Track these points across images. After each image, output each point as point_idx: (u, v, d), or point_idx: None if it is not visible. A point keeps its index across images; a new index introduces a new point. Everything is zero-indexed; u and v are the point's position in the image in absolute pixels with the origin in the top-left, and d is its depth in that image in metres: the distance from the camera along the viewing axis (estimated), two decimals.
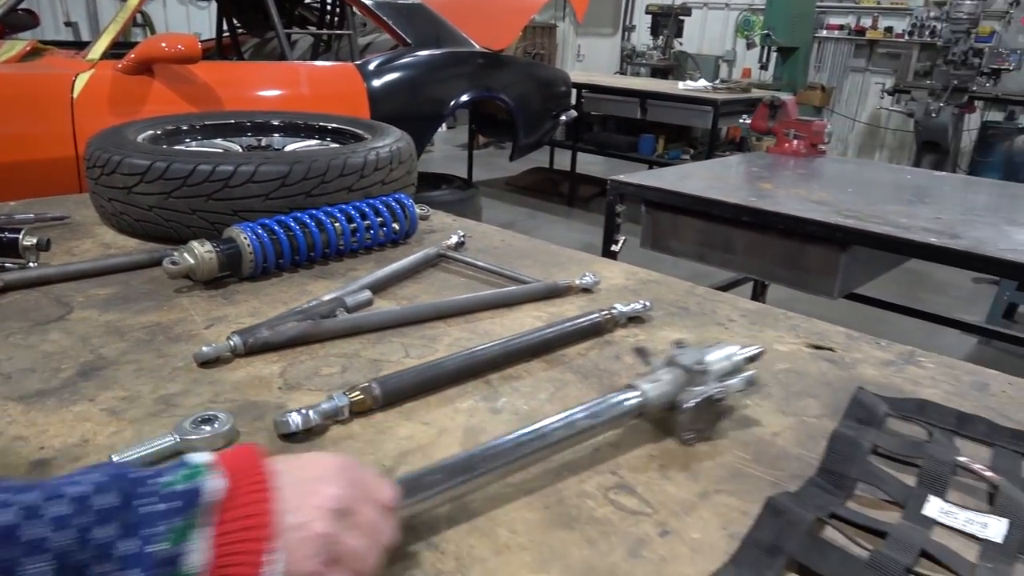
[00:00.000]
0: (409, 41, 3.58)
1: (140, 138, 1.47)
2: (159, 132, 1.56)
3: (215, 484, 0.47)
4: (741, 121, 3.04)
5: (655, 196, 2.18)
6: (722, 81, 6.57)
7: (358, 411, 0.79)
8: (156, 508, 0.45)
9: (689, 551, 0.63)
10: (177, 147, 1.55)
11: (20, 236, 1.18)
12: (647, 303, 1.10)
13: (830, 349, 1.04)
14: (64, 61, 2.69)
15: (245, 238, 1.16)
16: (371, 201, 1.36)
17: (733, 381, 0.79)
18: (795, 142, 2.83)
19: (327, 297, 1.06)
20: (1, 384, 0.84)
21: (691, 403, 0.76)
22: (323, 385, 0.87)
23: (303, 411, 0.75)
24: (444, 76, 3.70)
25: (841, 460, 0.75)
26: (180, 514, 0.45)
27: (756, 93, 5.48)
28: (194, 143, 1.63)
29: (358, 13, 3.64)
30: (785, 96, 3.06)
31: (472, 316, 1.08)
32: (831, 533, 0.66)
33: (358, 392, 0.79)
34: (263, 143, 1.70)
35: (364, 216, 1.32)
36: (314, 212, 1.28)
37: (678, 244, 2.26)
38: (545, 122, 4.35)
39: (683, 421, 0.77)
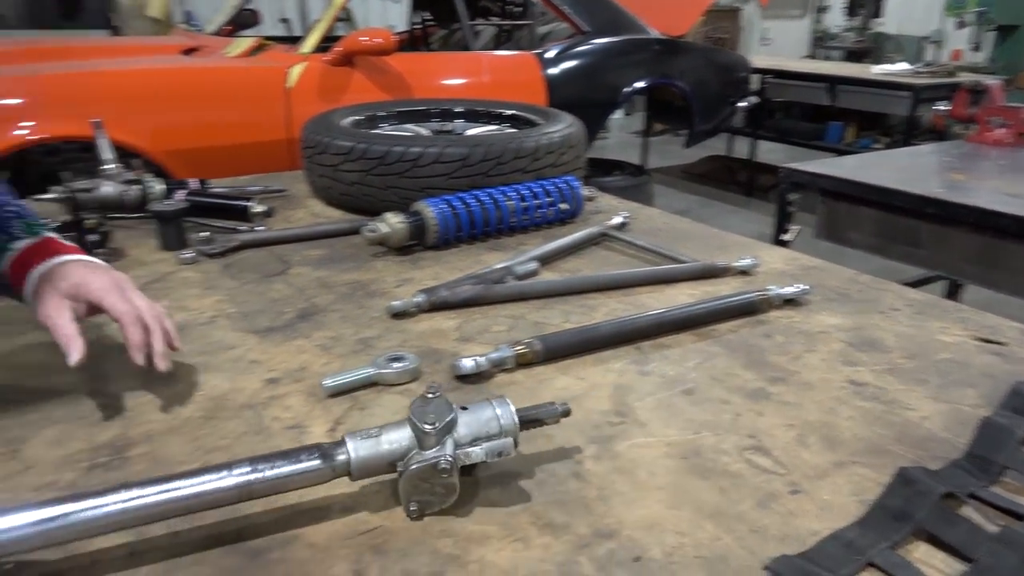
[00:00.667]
0: (586, 29, 3.66)
1: (344, 123, 1.68)
2: (361, 118, 1.76)
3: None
4: (937, 108, 2.83)
5: (829, 184, 2.12)
6: (925, 64, 6.05)
7: (521, 363, 0.90)
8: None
9: (817, 509, 0.67)
10: (374, 131, 1.74)
11: (251, 204, 1.41)
12: (806, 287, 1.11)
13: (1001, 343, 1.01)
14: (281, 55, 3.05)
15: (430, 212, 1.31)
16: (542, 182, 1.46)
17: (474, 449, 0.64)
18: (999, 130, 2.60)
19: (498, 265, 1.18)
20: (241, 320, 1.03)
21: (412, 468, 0.63)
22: (492, 340, 0.98)
23: (474, 358, 0.87)
24: (620, 63, 3.74)
25: (990, 446, 0.75)
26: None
27: (963, 77, 5.00)
28: (389, 127, 1.82)
29: (539, 3, 3.77)
30: (991, 80, 2.81)
31: (630, 290, 1.15)
32: (967, 512, 0.67)
33: (522, 346, 0.90)
34: (447, 128, 1.87)
35: (535, 195, 1.43)
36: (491, 190, 1.40)
37: (857, 235, 2.18)
38: (722, 109, 4.27)
39: (403, 490, 0.64)
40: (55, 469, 0.70)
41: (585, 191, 1.52)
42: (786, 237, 2.30)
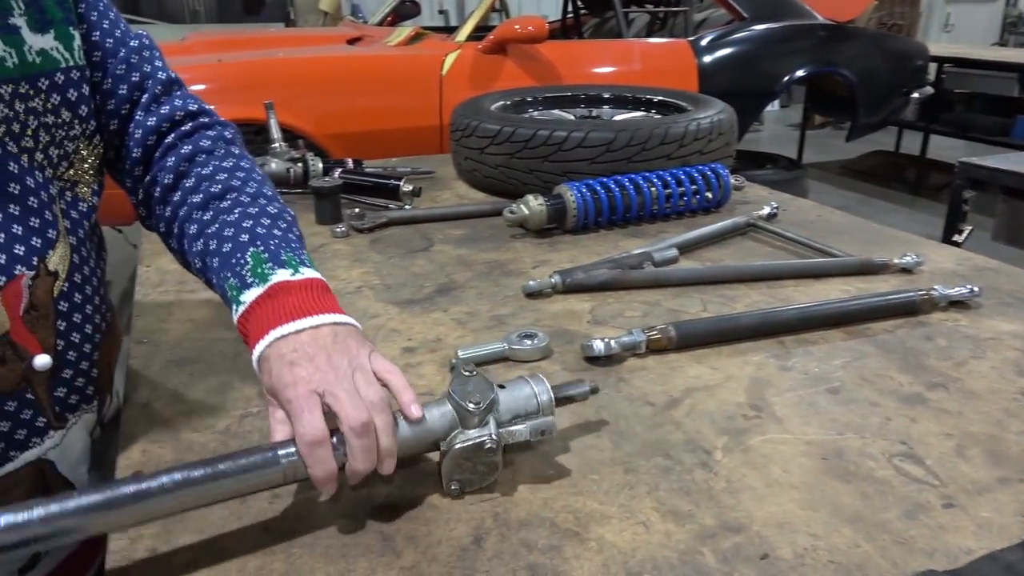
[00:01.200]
0: (745, 15, 3.51)
1: (493, 107, 1.71)
2: (508, 102, 1.79)
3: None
4: None
5: (1014, 182, 1.91)
6: None
7: (654, 348, 0.88)
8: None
9: (974, 526, 0.61)
10: (521, 115, 1.76)
11: (401, 184, 1.47)
12: (975, 288, 1.01)
13: None
14: (437, 44, 3.15)
15: (571, 195, 1.31)
16: (687, 169, 1.42)
17: (518, 428, 0.64)
18: None
19: (636, 251, 1.16)
20: (385, 292, 1.08)
21: (456, 448, 0.62)
22: (625, 324, 0.97)
23: (606, 340, 0.86)
24: (779, 51, 3.56)
25: None
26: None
27: None
28: (535, 112, 1.84)
29: None
30: None
31: (775, 283, 1.10)
32: None
33: (656, 332, 0.88)
34: (593, 114, 1.86)
35: (679, 183, 1.39)
36: (633, 176, 1.38)
37: None
38: (892, 100, 3.96)
39: (446, 469, 0.63)
40: (212, 414, 0.77)
41: (733, 180, 1.46)
42: (958, 238, 2.10)
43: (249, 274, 0.67)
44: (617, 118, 1.78)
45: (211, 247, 0.71)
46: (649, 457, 0.70)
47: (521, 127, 1.48)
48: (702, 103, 1.67)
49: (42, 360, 0.62)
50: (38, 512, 0.49)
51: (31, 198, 0.62)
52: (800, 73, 3.59)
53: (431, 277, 1.14)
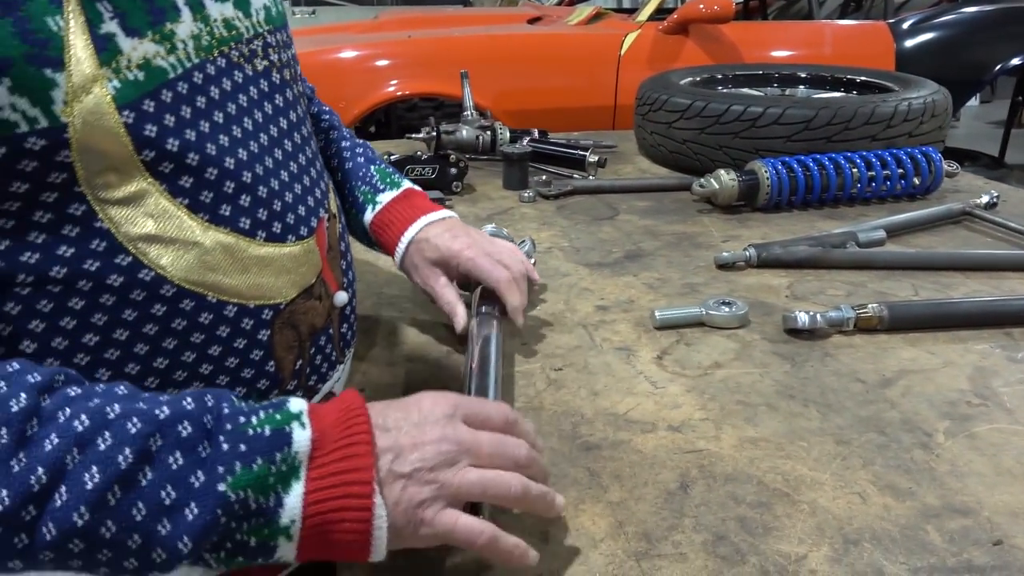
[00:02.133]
0: None
1: (682, 83, 1.68)
2: (697, 79, 1.75)
3: (305, 433, 0.43)
4: None
5: None
6: None
7: (862, 327, 0.84)
8: (238, 449, 0.41)
9: None
10: (713, 91, 1.72)
11: (587, 154, 1.49)
12: None
13: None
14: (618, 24, 3.13)
15: (765, 172, 1.27)
16: (894, 151, 1.33)
17: (525, 246, 0.96)
18: None
19: (839, 231, 1.10)
20: (574, 254, 1.10)
21: None
22: (828, 302, 0.93)
23: (811, 312, 0.83)
24: (992, 36, 3.23)
25: None
26: (264, 458, 0.41)
27: None
28: (724, 91, 1.79)
29: None
30: None
31: (996, 274, 1.01)
32: None
33: (867, 309, 0.84)
34: (787, 93, 1.78)
35: (884, 165, 1.31)
36: (833, 155, 1.31)
37: None
38: None
39: None
40: (423, 347, 0.82)
41: (946, 166, 1.35)
42: None
43: (380, 182, 0.82)
44: (812, 98, 1.70)
45: (332, 164, 0.83)
46: (862, 432, 0.67)
47: (714, 101, 1.44)
48: (912, 84, 1.55)
49: (341, 296, 0.65)
50: None
51: (312, 143, 0.66)
52: (1016, 62, 3.24)
53: (619, 243, 1.15)
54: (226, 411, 0.43)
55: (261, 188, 0.55)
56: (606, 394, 0.73)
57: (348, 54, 2.89)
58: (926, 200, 1.34)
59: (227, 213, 0.53)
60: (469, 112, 1.64)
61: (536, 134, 1.66)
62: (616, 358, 0.80)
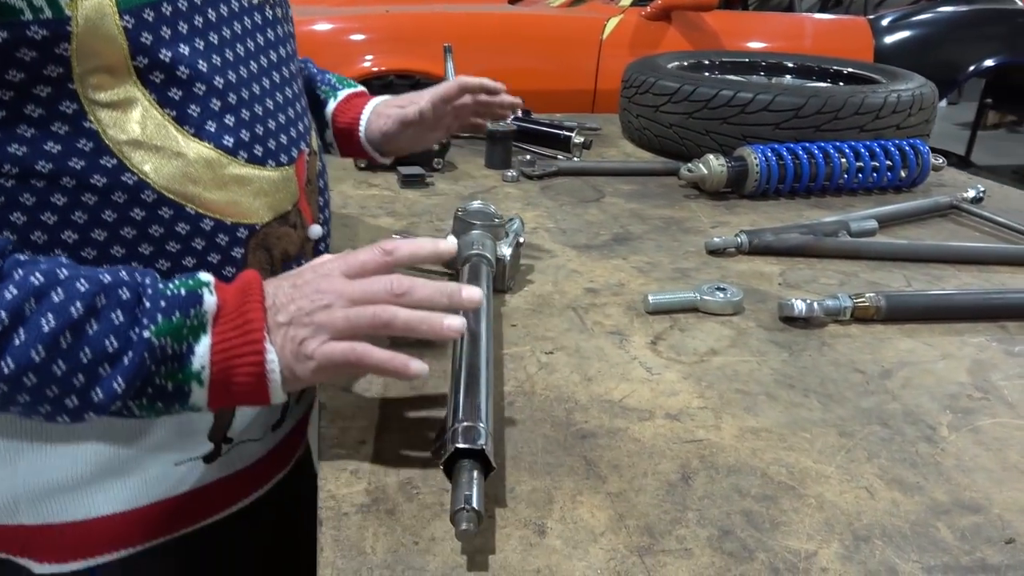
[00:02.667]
0: None
1: (669, 66, 1.65)
2: (684, 64, 1.72)
3: (212, 298, 0.50)
4: None
5: None
6: None
7: (859, 316, 0.82)
8: (159, 304, 0.48)
9: None
10: (702, 75, 1.69)
11: (573, 135, 1.45)
12: None
13: None
14: (600, 7, 3.09)
15: (755, 158, 1.24)
16: (882, 143, 1.32)
17: (513, 224, 0.89)
18: None
19: (830, 219, 1.08)
20: (560, 235, 1.07)
21: (507, 252, 0.83)
22: (821, 291, 0.91)
23: (807, 300, 0.81)
24: (968, 36, 3.27)
25: None
26: (180, 312, 0.48)
27: None
28: (712, 76, 1.76)
29: None
30: None
31: (988, 268, 1.00)
32: None
33: (864, 299, 0.82)
34: (773, 82, 1.76)
35: (873, 156, 1.29)
36: (823, 144, 1.29)
37: None
38: None
39: (511, 269, 0.84)
40: None
41: (933, 160, 1.34)
42: None
43: (338, 83, 0.93)
44: (804, 86, 1.68)
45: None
46: (864, 424, 0.65)
47: (703, 85, 1.41)
48: (899, 76, 1.55)
49: (316, 229, 0.68)
50: None
51: (296, 81, 0.67)
52: (989, 63, 3.29)
53: (605, 226, 1.11)
54: (150, 280, 0.49)
55: (246, 111, 0.58)
56: (600, 380, 0.70)
57: (322, 27, 2.81)
58: (912, 193, 1.33)
59: (212, 129, 0.55)
60: None
61: (519, 113, 1.61)
62: (609, 342, 0.76)
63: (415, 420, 0.63)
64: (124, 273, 0.49)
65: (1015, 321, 0.84)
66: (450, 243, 0.57)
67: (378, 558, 0.48)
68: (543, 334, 0.78)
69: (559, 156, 1.45)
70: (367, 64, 2.85)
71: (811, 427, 0.64)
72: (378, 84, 3.06)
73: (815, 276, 0.96)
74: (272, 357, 0.50)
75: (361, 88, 0.95)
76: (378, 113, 0.91)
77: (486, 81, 0.97)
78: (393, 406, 0.64)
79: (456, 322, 0.53)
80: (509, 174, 1.33)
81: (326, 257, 0.55)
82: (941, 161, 1.38)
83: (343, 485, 0.54)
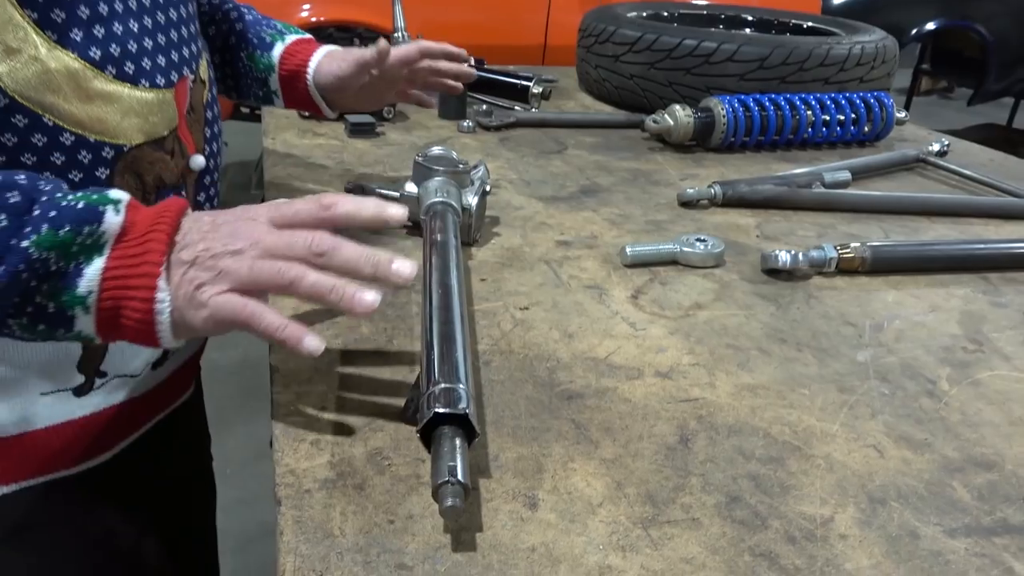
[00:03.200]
0: None
1: (628, 16, 1.58)
2: (642, 15, 1.66)
3: (117, 219, 0.44)
4: None
5: None
6: None
7: (844, 268, 0.78)
8: (48, 214, 0.42)
9: None
10: (664, 23, 1.63)
11: (531, 85, 1.37)
12: None
13: None
14: None
15: (722, 109, 1.20)
16: (848, 95, 1.29)
17: (478, 172, 0.81)
18: None
19: (802, 171, 1.05)
20: (524, 187, 1.00)
21: (478, 199, 0.78)
22: (799, 243, 0.87)
23: (792, 252, 0.77)
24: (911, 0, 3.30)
25: None
26: (71, 226, 0.42)
27: None
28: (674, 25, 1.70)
29: None
30: None
31: (961, 219, 0.98)
32: None
33: (849, 250, 0.78)
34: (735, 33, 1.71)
35: (839, 108, 1.26)
36: (790, 96, 1.25)
37: None
38: None
39: (477, 219, 0.79)
40: None
41: (898, 113, 1.32)
42: None
43: (285, 29, 0.87)
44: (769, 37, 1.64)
45: (234, 22, 0.84)
46: (863, 379, 0.61)
47: (666, 34, 1.35)
48: (858, 30, 1.51)
49: (197, 160, 0.62)
50: None
51: (187, 6, 0.62)
52: (930, 26, 3.33)
53: (571, 178, 1.05)
54: (50, 187, 0.44)
55: (118, 25, 0.52)
56: (582, 336, 0.64)
57: None
58: (875, 147, 1.31)
59: (78, 39, 0.49)
60: (400, 34, 1.49)
61: (472, 62, 1.52)
62: (587, 297, 0.71)
63: (381, 383, 0.56)
64: (22, 176, 0.43)
65: (997, 272, 0.82)
66: (399, 211, 0.49)
67: (348, 541, 0.41)
68: (515, 289, 0.71)
69: (516, 107, 1.37)
70: (304, 14, 2.70)
71: (809, 383, 0.60)
72: (316, 36, 2.91)
73: (792, 228, 0.92)
74: (163, 296, 0.44)
75: (310, 36, 0.88)
76: (332, 56, 0.84)
77: (449, 47, 0.89)
78: (355, 367, 0.57)
79: (369, 297, 0.45)
80: (465, 124, 1.26)
81: (257, 205, 0.49)
82: (904, 115, 1.36)
83: (303, 458, 0.47)
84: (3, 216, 0.41)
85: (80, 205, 0.43)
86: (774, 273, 0.78)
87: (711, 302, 0.72)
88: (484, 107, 1.33)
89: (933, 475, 0.50)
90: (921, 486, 0.49)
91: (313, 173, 0.98)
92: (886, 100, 1.30)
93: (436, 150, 0.83)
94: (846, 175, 1.03)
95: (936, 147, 1.22)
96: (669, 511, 0.46)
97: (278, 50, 0.84)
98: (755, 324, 0.68)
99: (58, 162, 0.50)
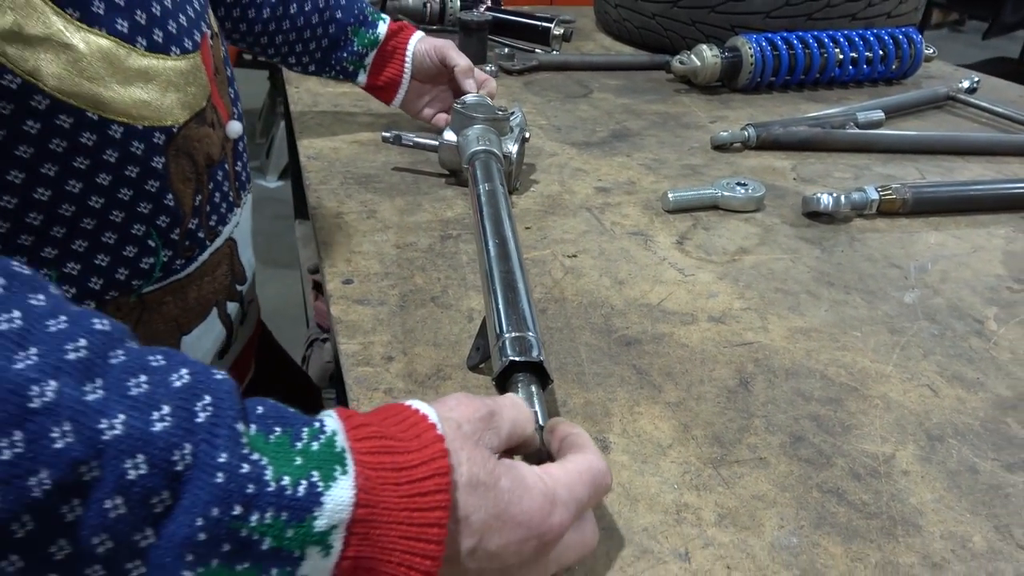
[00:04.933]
0: None
1: None
2: None
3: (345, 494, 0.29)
4: None
5: None
6: None
7: (885, 210, 0.79)
8: (220, 547, 0.27)
9: None
10: None
11: (552, 27, 1.35)
12: None
13: None
14: None
15: (749, 49, 1.18)
16: (876, 31, 1.26)
17: (516, 118, 0.81)
18: None
19: (835, 111, 1.04)
20: (555, 132, 0.99)
21: (517, 146, 0.78)
22: (836, 185, 0.87)
23: (833, 194, 0.77)
24: None
25: None
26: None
27: None
28: None
29: None
30: None
31: (995, 158, 0.97)
32: None
33: (890, 191, 0.78)
34: None
35: (868, 45, 1.24)
36: (817, 34, 1.23)
37: None
38: None
39: (516, 168, 0.79)
40: (411, 232, 0.71)
41: (925, 48, 1.30)
42: None
43: (370, 14, 0.87)
44: None
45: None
46: (912, 320, 0.62)
47: None
48: None
49: (234, 127, 0.59)
50: None
51: None
52: None
53: (601, 122, 1.04)
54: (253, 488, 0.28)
55: None
56: (632, 283, 0.64)
57: None
58: (903, 85, 1.29)
59: (100, 11, 0.44)
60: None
61: (489, 2, 1.49)
62: (633, 243, 0.71)
63: (440, 332, 0.57)
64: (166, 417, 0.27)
65: None
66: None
67: None
68: (561, 236, 0.72)
69: (536, 49, 1.35)
70: None
71: (860, 325, 0.61)
72: None
73: (827, 170, 0.91)
74: None
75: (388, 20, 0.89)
76: (424, 41, 0.88)
77: (491, 85, 0.89)
78: (415, 318, 0.58)
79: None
80: (487, 68, 1.24)
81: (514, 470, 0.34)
82: (932, 51, 1.34)
83: None
84: (121, 498, 0.26)
85: (265, 546, 0.28)
86: (815, 216, 0.78)
87: (756, 246, 0.72)
88: (505, 50, 1.31)
89: (988, 412, 0.52)
90: (977, 423, 0.51)
91: (343, 124, 0.97)
92: (915, 36, 1.27)
93: (472, 97, 0.83)
94: (879, 115, 1.02)
95: (966, 84, 1.21)
96: (736, 451, 0.47)
97: (383, 28, 0.86)
98: (801, 267, 0.69)
99: (112, 159, 0.46)
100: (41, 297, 0.28)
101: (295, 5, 0.80)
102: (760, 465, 0.46)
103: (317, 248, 0.68)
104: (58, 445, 0.24)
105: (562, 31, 1.35)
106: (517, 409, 0.37)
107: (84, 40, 0.43)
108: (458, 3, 1.43)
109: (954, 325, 0.61)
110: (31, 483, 0.24)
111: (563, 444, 0.38)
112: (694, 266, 0.68)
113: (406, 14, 1.41)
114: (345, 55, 0.86)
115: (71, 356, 0.26)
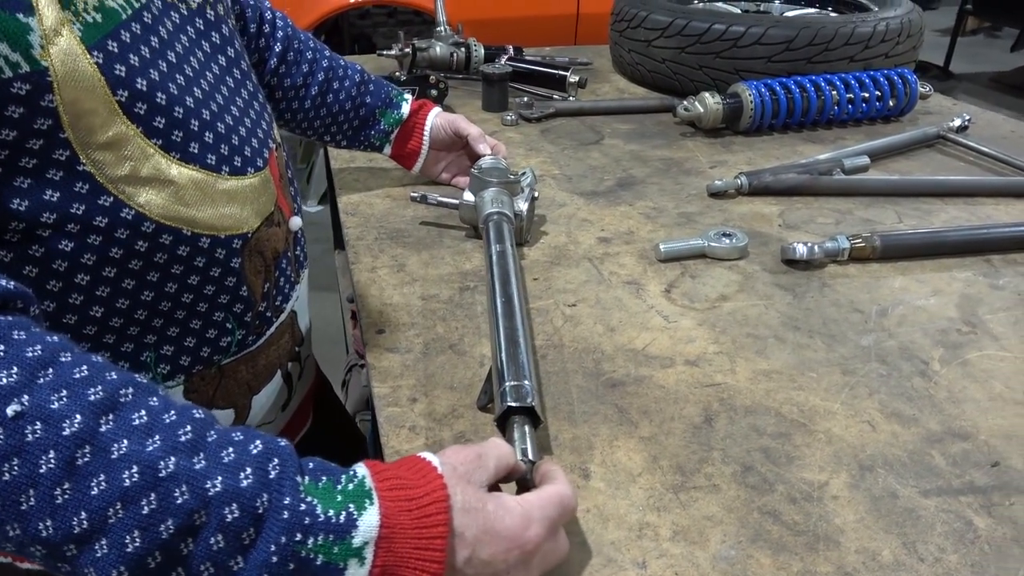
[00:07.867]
0: None
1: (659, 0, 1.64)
2: None
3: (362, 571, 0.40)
4: None
5: None
6: None
7: (856, 256, 0.88)
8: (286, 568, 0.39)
9: None
10: (692, 7, 1.69)
11: (568, 74, 1.46)
12: None
13: None
14: None
15: (749, 94, 1.27)
16: (872, 73, 1.35)
17: (527, 179, 0.92)
18: None
19: (824, 157, 1.13)
20: (566, 182, 1.10)
21: (527, 204, 0.89)
22: (819, 230, 0.96)
23: (808, 244, 0.86)
24: None
25: None
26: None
27: None
28: (700, 4, 1.76)
29: None
30: None
31: (973, 199, 1.05)
32: None
33: (860, 239, 0.87)
34: (762, 8, 1.76)
35: (863, 86, 1.33)
36: (814, 78, 1.32)
37: None
38: None
39: (527, 221, 0.90)
40: (434, 285, 0.83)
41: (921, 88, 1.38)
42: None
43: (394, 94, 1.00)
44: (788, 14, 1.69)
45: (333, 78, 0.95)
46: (865, 362, 0.71)
47: (695, 19, 1.42)
48: (887, 2, 1.56)
49: (296, 221, 0.71)
50: None
51: (252, 76, 0.68)
52: None
53: (609, 170, 1.15)
54: (285, 506, 0.39)
55: (219, 124, 0.58)
56: (622, 329, 0.75)
57: None
58: (900, 123, 1.37)
59: (195, 151, 0.55)
60: (442, 28, 1.58)
61: (511, 51, 1.61)
62: (626, 292, 0.82)
63: (456, 376, 0.68)
64: (248, 472, 0.39)
65: (999, 254, 0.90)
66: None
67: None
68: (564, 287, 0.83)
69: (554, 96, 1.47)
70: None
71: (817, 367, 0.70)
72: (355, 14, 3.00)
73: (812, 216, 1.01)
74: None
75: (408, 97, 1.02)
76: (441, 116, 1.02)
77: (501, 148, 1.03)
78: (436, 364, 0.70)
79: None
80: (508, 117, 1.35)
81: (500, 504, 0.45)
82: (928, 89, 1.42)
83: (404, 441, 0.60)
84: (220, 538, 0.38)
85: (318, 562, 0.39)
86: (793, 263, 0.88)
87: (735, 293, 0.82)
88: (525, 99, 1.42)
89: (916, 445, 0.61)
90: (905, 455, 0.60)
91: (378, 179, 1.09)
92: (909, 76, 1.35)
93: (488, 160, 0.94)
94: (865, 160, 1.11)
95: (957, 123, 1.28)
96: (695, 479, 0.57)
97: (406, 108, 1.00)
98: (773, 313, 0.78)
99: (200, 264, 0.57)
100: (155, 399, 0.41)
101: (331, 95, 0.94)
102: (713, 491, 0.56)
103: (355, 299, 0.80)
104: (179, 501, 0.37)
105: (577, 79, 1.46)
106: (500, 448, 0.49)
107: (183, 175, 0.54)
108: (482, 53, 1.55)
109: (901, 366, 0.71)
110: (162, 528, 0.37)
111: (543, 478, 0.50)
112: (678, 313, 0.78)
113: (434, 64, 1.54)
114: (373, 133, 0.99)
115: (182, 439, 0.39)
